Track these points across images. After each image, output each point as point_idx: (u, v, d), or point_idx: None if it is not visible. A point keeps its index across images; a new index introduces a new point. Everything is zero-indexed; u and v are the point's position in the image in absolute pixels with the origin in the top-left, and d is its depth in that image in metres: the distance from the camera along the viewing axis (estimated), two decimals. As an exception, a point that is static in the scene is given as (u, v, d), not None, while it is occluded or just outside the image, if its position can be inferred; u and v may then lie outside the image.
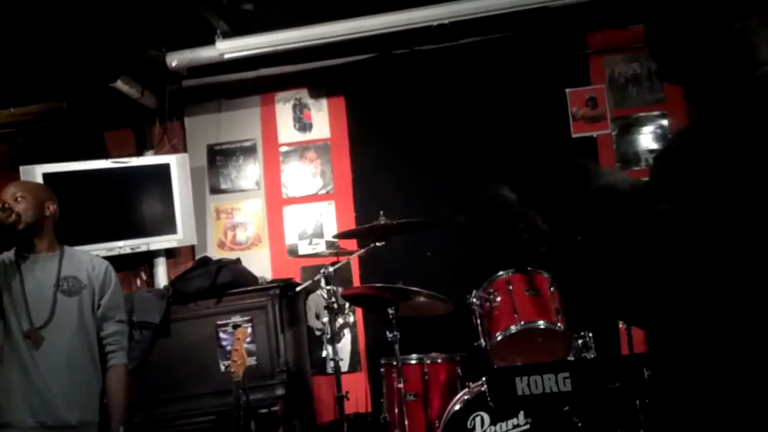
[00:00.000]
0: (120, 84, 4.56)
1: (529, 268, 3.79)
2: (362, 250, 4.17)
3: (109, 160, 4.70)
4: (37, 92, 4.88)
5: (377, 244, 4.05)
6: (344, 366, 4.42)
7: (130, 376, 3.29)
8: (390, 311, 3.86)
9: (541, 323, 3.67)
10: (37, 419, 2.99)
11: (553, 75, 4.68)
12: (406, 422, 3.73)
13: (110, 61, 4.44)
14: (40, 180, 4.41)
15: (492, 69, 4.73)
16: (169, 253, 4.90)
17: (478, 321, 3.81)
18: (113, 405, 3.15)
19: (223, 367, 4.07)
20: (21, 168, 4.48)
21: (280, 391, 4.00)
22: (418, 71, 4.77)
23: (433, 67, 4.75)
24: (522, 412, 3.48)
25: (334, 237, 4.59)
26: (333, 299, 4.08)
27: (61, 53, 4.27)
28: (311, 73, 4.89)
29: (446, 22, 4.29)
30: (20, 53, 4.24)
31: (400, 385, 3.76)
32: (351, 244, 4.53)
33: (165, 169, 4.70)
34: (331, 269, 4.04)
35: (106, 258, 4.36)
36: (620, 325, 3.85)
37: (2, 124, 5.00)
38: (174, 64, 4.62)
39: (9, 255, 3.16)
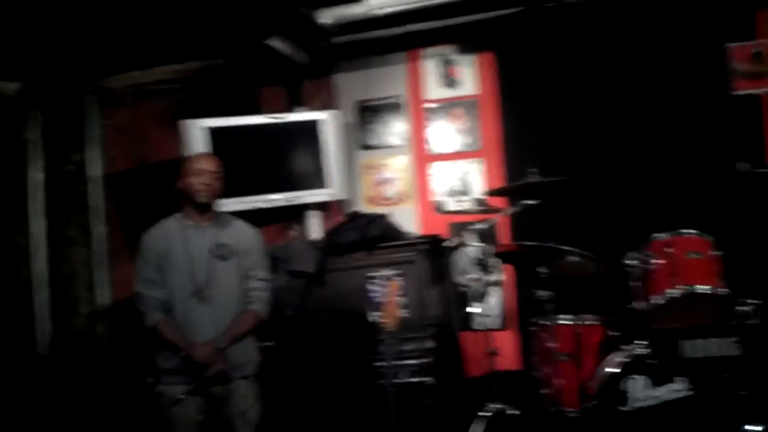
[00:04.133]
0: (274, 41, 4.69)
1: (692, 231, 3.67)
2: (513, 208, 4.15)
3: (265, 116, 4.85)
4: (197, 50, 5.08)
5: (529, 202, 4.02)
6: (492, 323, 4.44)
7: (257, 324, 3.53)
8: (541, 270, 3.85)
9: (702, 287, 3.55)
10: None
11: (713, 29, 4.46)
12: (558, 381, 3.73)
13: (265, 18, 4.56)
14: (207, 134, 4.63)
15: (646, 21, 4.54)
16: (320, 207, 5.03)
17: (634, 283, 3.73)
18: (230, 328, 3.39)
19: (371, 318, 4.18)
20: (185, 121, 4.67)
21: (429, 344, 4.09)
22: (569, 25, 4.63)
23: (584, 21, 4.60)
24: (680, 378, 3.40)
25: (484, 194, 4.58)
26: (483, 256, 4.10)
27: (218, 12, 4.42)
28: (459, 28, 4.83)
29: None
30: (179, 12, 4.41)
31: (552, 345, 3.76)
32: (500, 202, 4.51)
33: (317, 125, 4.81)
34: (482, 226, 4.06)
35: (263, 210, 4.62)
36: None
37: (165, 80, 5.26)
38: (325, 20, 4.68)
39: (173, 221, 3.51)
